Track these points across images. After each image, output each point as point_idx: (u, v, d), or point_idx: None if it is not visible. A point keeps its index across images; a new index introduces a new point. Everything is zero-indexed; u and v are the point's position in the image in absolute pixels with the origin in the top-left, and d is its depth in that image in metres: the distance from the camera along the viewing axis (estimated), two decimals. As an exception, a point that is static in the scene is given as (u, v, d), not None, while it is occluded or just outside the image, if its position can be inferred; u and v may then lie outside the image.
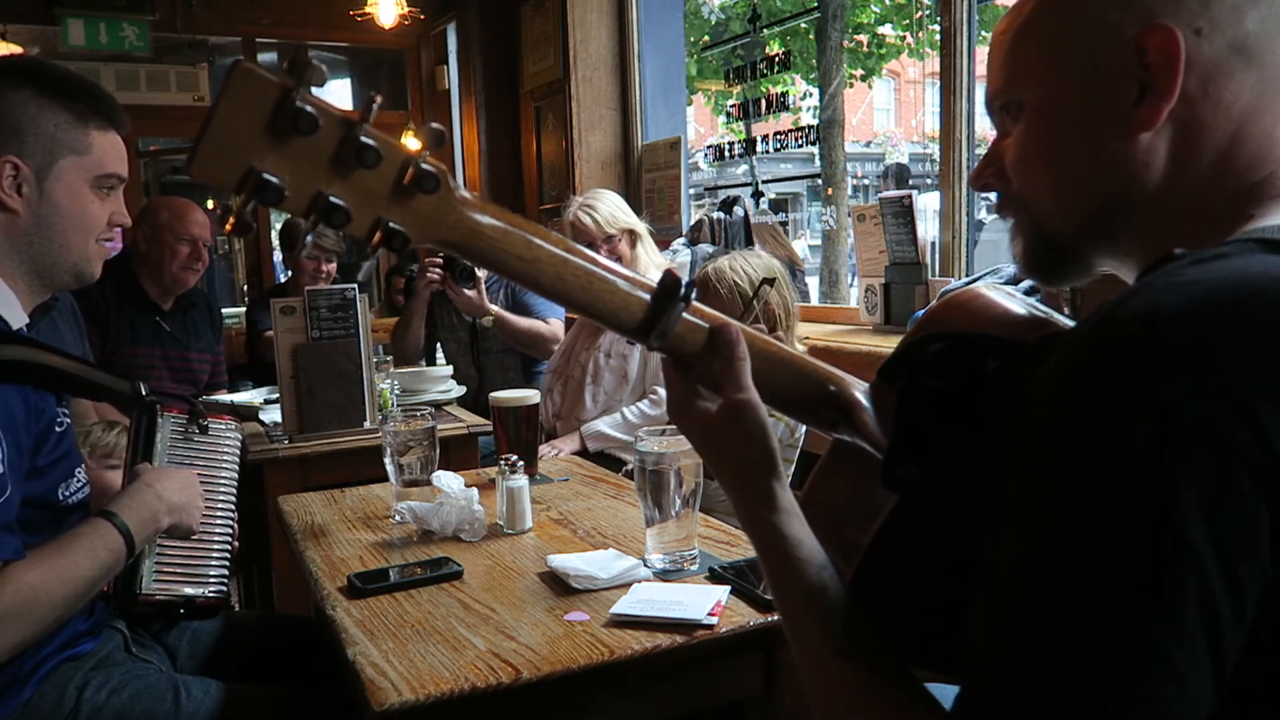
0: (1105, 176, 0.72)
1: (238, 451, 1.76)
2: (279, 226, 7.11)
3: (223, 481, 1.70)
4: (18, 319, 1.41)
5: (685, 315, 0.76)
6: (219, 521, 1.66)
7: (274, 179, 0.61)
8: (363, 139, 0.62)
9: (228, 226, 0.63)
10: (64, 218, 1.42)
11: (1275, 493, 0.52)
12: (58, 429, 1.39)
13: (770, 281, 2.07)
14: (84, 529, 1.34)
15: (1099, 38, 0.71)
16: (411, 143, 0.66)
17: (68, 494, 1.41)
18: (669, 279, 0.75)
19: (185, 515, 1.49)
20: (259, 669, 1.67)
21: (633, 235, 2.96)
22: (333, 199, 0.63)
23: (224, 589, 1.62)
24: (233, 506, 1.71)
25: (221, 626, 1.74)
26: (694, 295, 0.76)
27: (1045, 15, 0.75)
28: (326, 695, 1.50)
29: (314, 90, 0.62)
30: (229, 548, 1.67)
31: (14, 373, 1.27)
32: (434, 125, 0.64)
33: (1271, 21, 0.68)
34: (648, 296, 0.74)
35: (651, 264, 2.99)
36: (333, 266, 3.92)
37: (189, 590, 1.57)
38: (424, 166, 0.64)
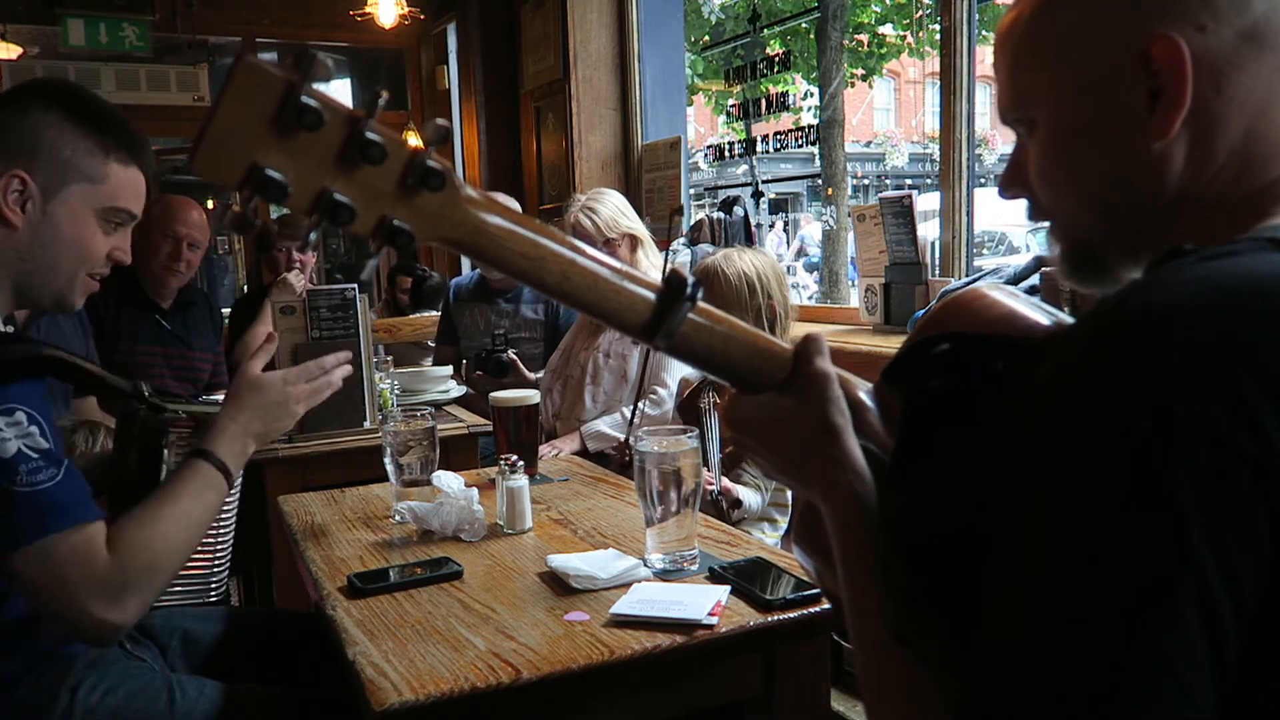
0: (1126, 186, 0.72)
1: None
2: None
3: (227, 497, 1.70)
4: None
5: (691, 315, 0.75)
6: (223, 529, 1.67)
7: (278, 175, 0.60)
8: (368, 135, 0.62)
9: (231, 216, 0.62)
10: (60, 242, 1.41)
11: (1276, 492, 0.52)
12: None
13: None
14: (186, 474, 1.40)
15: (1101, 51, 0.70)
16: (413, 143, 0.66)
17: None
18: (675, 278, 0.74)
19: (269, 437, 1.54)
20: (260, 666, 1.67)
21: (633, 240, 2.94)
22: (337, 196, 0.62)
23: (224, 591, 1.64)
24: (234, 512, 1.72)
25: (223, 624, 1.74)
26: (701, 294, 0.75)
27: (1041, 31, 0.74)
28: (325, 694, 1.50)
29: (318, 86, 0.61)
30: (230, 550, 1.69)
31: (33, 367, 1.30)
32: (439, 121, 0.64)
33: None
34: (654, 296, 0.74)
35: (652, 268, 2.98)
36: (309, 256, 3.73)
37: (190, 601, 1.60)
38: (430, 164, 0.64)
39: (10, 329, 1.43)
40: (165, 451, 1.60)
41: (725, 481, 2.06)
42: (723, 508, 2.05)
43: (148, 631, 1.65)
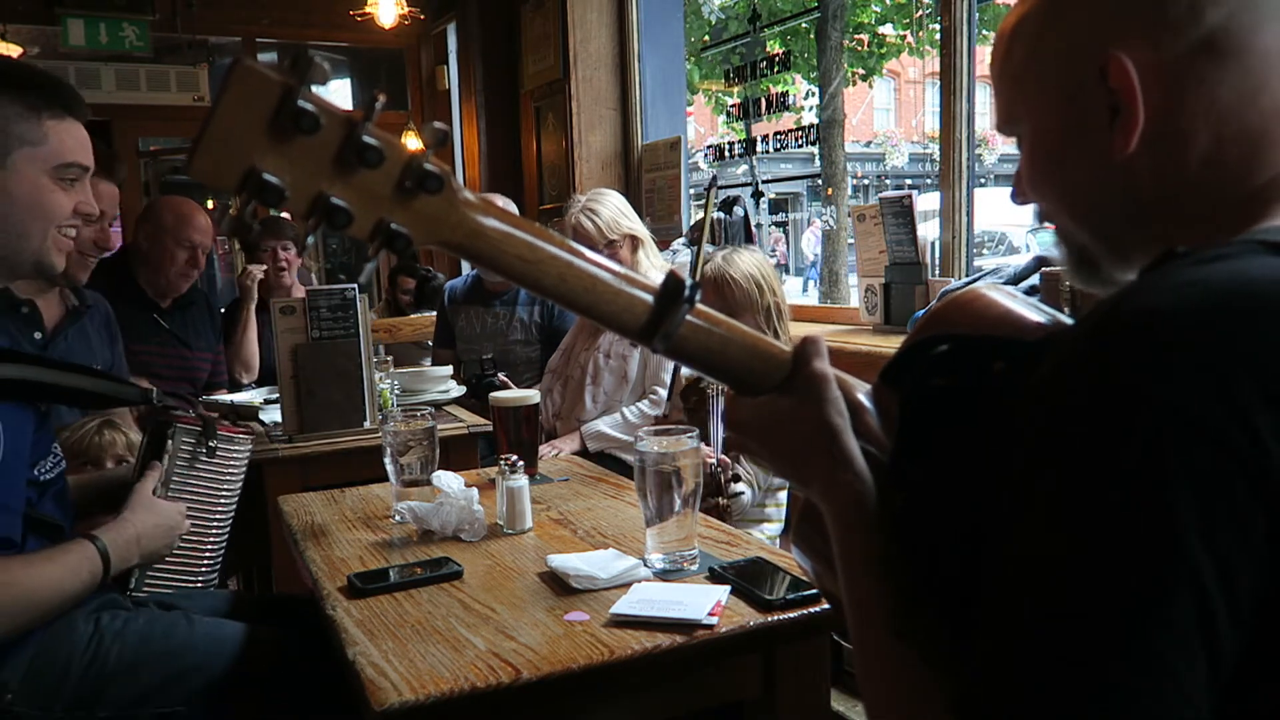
0: (1101, 195, 0.73)
1: (245, 465, 1.78)
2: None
3: (224, 496, 1.74)
4: None
5: (689, 318, 0.75)
6: (213, 531, 1.70)
7: (274, 179, 0.60)
8: (365, 139, 0.62)
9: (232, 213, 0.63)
10: (21, 209, 1.42)
11: (1270, 493, 0.52)
12: (41, 408, 1.42)
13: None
14: (73, 546, 1.41)
15: (1065, 68, 0.72)
16: (413, 143, 0.65)
17: (44, 471, 1.43)
18: (673, 280, 0.74)
19: (156, 558, 1.57)
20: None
21: (634, 241, 2.94)
22: (334, 200, 0.62)
23: (214, 578, 1.67)
24: (231, 514, 1.74)
25: (220, 604, 1.77)
26: (698, 296, 0.75)
27: (1018, 48, 0.76)
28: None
29: (315, 89, 0.61)
30: (223, 546, 1.71)
31: (14, 390, 1.31)
32: (437, 124, 0.64)
33: (1244, 12, 0.67)
34: (651, 298, 0.74)
35: (653, 269, 2.97)
36: (292, 254, 3.71)
37: (179, 587, 1.65)
38: (427, 167, 0.64)
39: (38, 335, 1.45)
40: (169, 442, 1.62)
41: (725, 457, 2.05)
42: (721, 482, 2.04)
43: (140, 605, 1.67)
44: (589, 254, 0.72)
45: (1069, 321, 0.80)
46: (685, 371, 2.58)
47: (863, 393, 0.83)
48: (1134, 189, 0.71)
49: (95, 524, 1.49)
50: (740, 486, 2.11)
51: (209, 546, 1.68)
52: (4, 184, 1.41)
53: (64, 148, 1.46)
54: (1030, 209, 0.82)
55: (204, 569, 1.67)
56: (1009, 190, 0.84)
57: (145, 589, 1.59)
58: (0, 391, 1.28)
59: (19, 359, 1.34)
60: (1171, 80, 0.68)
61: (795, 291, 14.25)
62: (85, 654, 1.41)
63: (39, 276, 1.52)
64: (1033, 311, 0.82)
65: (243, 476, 1.77)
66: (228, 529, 1.73)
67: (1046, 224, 0.82)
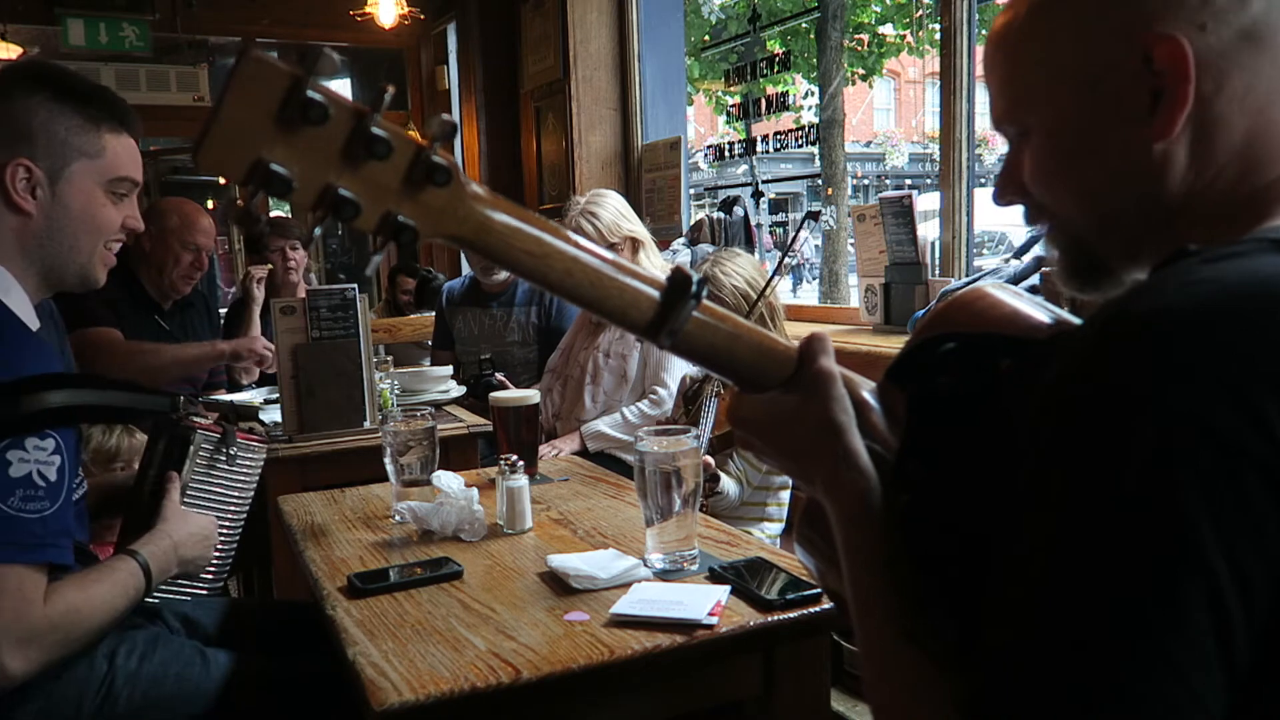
0: (1127, 187, 0.71)
1: (259, 472, 1.78)
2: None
3: (235, 503, 1.74)
4: (32, 322, 1.43)
5: (695, 313, 0.75)
6: (223, 538, 1.69)
7: (282, 170, 0.60)
8: (374, 130, 0.61)
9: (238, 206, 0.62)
10: (75, 220, 1.43)
11: None
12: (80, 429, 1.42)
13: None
14: (118, 564, 1.41)
15: (1099, 52, 0.70)
16: (416, 139, 0.65)
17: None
18: (679, 276, 0.73)
19: (193, 567, 1.58)
20: (260, 645, 1.69)
21: (635, 243, 2.93)
22: (342, 191, 0.62)
23: (220, 585, 1.66)
24: (242, 521, 1.74)
25: (222, 611, 1.76)
26: (705, 292, 0.75)
27: (1038, 34, 0.73)
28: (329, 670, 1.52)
29: (324, 82, 0.61)
30: (232, 553, 1.71)
31: (66, 416, 1.31)
32: (445, 117, 0.63)
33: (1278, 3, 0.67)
34: (657, 294, 0.73)
35: (653, 269, 2.97)
36: (300, 254, 3.75)
37: (186, 594, 1.65)
38: (435, 159, 0.63)
39: (39, 325, 1.45)
40: (190, 447, 1.62)
41: (707, 458, 2.05)
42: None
43: (149, 614, 1.66)
44: (596, 249, 0.72)
45: (1075, 321, 0.79)
46: (692, 368, 2.58)
47: (868, 390, 0.83)
48: (1160, 178, 0.70)
49: (98, 529, 1.48)
50: (722, 485, 2.12)
51: (218, 553, 1.68)
52: (60, 195, 1.41)
53: (119, 162, 1.46)
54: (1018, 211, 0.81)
55: (211, 576, 1.67)
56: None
57: (156, 595, 1.58)
58: (57, 418, 1.28)
59: (67, 383, 1.34)
60: (1214, 66, 0.67)
61: (807, 296, 14.21)
62: (96, 697, 1.39)
63: (80, 289, 1.52)
64: (1039, 310, 0.82)
65: (255, 484, 1.77)
66: (238, 536, 1.73)
67: (1037, 224, 0.79)
